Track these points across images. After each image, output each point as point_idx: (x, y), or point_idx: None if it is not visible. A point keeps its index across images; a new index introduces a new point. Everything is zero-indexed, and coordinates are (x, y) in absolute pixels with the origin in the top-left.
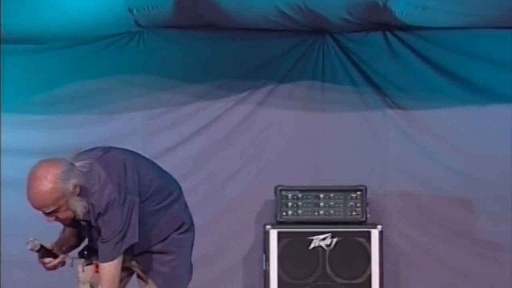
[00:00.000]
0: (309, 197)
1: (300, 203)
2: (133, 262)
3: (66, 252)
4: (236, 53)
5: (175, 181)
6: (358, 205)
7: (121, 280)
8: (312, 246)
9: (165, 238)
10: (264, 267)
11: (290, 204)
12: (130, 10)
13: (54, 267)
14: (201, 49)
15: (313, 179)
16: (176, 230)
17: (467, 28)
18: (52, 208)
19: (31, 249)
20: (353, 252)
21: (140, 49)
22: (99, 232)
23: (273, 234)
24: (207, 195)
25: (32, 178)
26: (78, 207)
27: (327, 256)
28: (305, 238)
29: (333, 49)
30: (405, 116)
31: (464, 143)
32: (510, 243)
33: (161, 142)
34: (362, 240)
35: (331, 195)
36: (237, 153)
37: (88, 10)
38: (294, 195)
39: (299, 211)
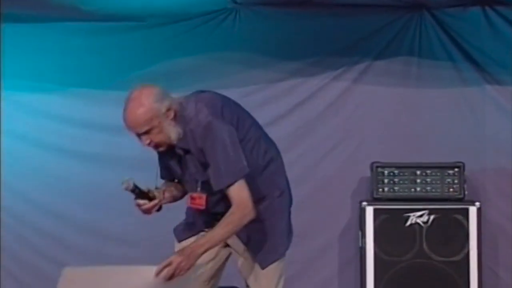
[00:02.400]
0: (406, 173)
1: (396, 180)
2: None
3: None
4: (331, 30)
5: (274, 143)
6: (456, 182)
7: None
8: (408, 223)
9: (261, 200)
10: (360, 244)
11: (386, 180)
12: None
13: (149, 210)
14: (296, 26)
15: (409, 155)
16: (271, 193)
17: None
18: (145, 128)
19: (126, 189)
20: (450, 230)
21: (236, 26)
22: (200, 164)
23: (369, 211)
24: (303, 172)
25: (128, 99)
26: (172, 132)
27: (424, 233)
28: (402, 215)
29: (430, 25)
30: (504, 92)
31: None
32: None
33: (257, 119)
34: (460, 217)
35: (428, 171)
36: (332, 130)
37: None
38: (390, 172)
39: (396, 188)
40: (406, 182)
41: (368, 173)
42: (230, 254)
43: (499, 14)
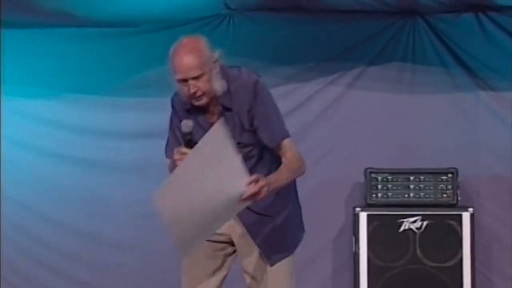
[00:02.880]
0: (399, 179)
1: (390, 186)
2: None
3: None
4: (325, 36)
5: None
6: (449, 187)
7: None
8: (402, 228)
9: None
10: (353, 249)
11: (379, 186)
12: None
13: (179, 161)
14: (290, 32)
15: (403, 161)
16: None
17: None
18: (198, 73)
19: (186, 130)
20: (443, 235)
21: (230, 31)
22: (240, 125)
23: (363, 217)
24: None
25: (178, 46)
26: (218, 83)
27: (417, 239)
28: (395, 221)
29: (423, 31)
30: (497, 97)
31: None
32: None
33: None
34: (453, 223)
35: (421, 177)
36: (326, 135)
37: None
38: (384, 178)
39: (389, 194)
40: (399, 187)
41: (361, 178)
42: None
43: (492, 20)
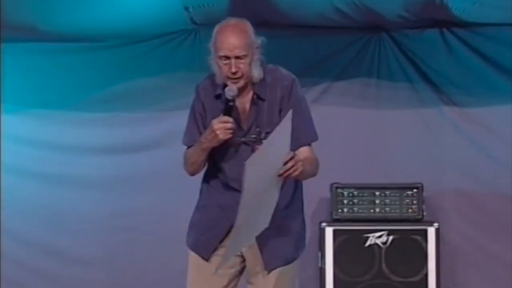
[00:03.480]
0: (365, 194)
1: (355, 201)
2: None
3: None
4: (290, 51)
5: None
6: (414, 202)
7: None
8: (368, 243)
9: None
10: (320, 264)
11: (345, 201)
12: (186, 8)
13: (229, 131)
14: None
15: (368, 176)
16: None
17: None
18: (244, 52)
19: (230, 95)
20: (409, 250)
21: (196, 46)
22: (269, 116)
23: (329, 232)
24: None
25: (225, 25)
26: (256, 70)
27: (383, 253)
28: (361, 236)
29: (388, 46)
30: (461, 113)
31: None
32: None
33: None
34: (419, 238)
35: (387, 192)
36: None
37: (144, 8)
38: (349, 193)
39: (355, 209)
40: (365, 202)
41: (327, 194)
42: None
43: (456, 36)
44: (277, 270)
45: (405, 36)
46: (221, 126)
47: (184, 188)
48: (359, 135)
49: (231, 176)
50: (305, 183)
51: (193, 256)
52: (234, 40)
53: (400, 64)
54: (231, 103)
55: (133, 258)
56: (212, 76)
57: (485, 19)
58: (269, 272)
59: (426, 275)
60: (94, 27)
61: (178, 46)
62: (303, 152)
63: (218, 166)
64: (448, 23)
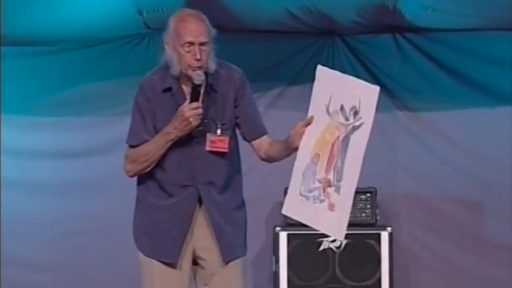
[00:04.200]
0: None
1: None
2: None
3: None
4: (245, 56)
5: None
6: (368, 207)
7: None
8: (321, 248)
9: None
10: (274, 269)
11: None
12: (140, 12)
13: (198, 116)
14: None
15: None
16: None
17: (477, 30)
18: (206, 39)
19: (198, 80)
20: (362, 254)
21: (150, 51)
22: (222, 108)
23: (283, 236)
24: None
25: (186, 13)
26: (212, 60)
27: (336, 258)
28: (315, 240)
29: (342, 51)
30: (415, 118)
31: (473, 145)
32: None
33: None
34: (372, 242)
35: None
36: (246, 155)
37: (97, 12)
38: None
39: None
40: None
41: (281, 198)
42: None
43: (409, 41)
44: (234, 261)
45: (359, 41)
46: (193, 113)
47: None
48: None
49: (171, 178)
50: (259, 187)
51: (153, 264)
52: (198, 26)
53: (354, 69)
54: (199, 89)
55: (88, 263)
56: (158, 71)
57: (438, 24)
58: (227, 263)
59: (379, 279)
60: (47, 31)
61: (131, 50)
62: (266, 139)
63: (160, 165)
64: (401, 28)
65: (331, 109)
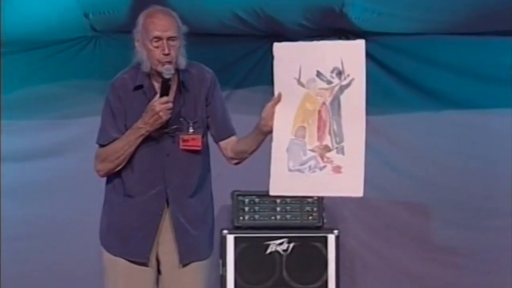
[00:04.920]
0: (266, 202)
1: (256, 208)
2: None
3: None
4: (191, 59)
5: None
6: (315, 210)
7: None
8: (268, 251)
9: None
10: (221, 272)
11: (246, 209)
12: (86, 15)
13: (168, 110)
14: None
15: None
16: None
17: (423, 34)
18: (175, 34)
19: (168, 74)
20: (309, 257)
21: (96, 54)
22: (194, 106)
23: (230, 239)
24: None
25: (154, 9)
26: (182, 57)
27: (283, 261)
28: (262, 243)
29: None
30: None
31: (419, 149)
32: (466, 248)
33: None
34: (319, 245)
35: (288, 200)
36: None
37: (42, 14)
38: (251, 200)
39: (256, 216)
40: (266, 210)
41: (229, 201)
42: None
43: None
44: (192, 265)
45: None
46: (163, 107)
47: (83, 195)
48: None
49: (140, 177)
50: None
51: (120, 263)
52: (166, 21)
53: None
54: (169, 83)
55: (32, 266)
56: (129, 71)
57: (384, 28)
58: (184, 265)
59: (326, 281)
60: None
61: (77, 53)
62: (233, 139)
63: (129, 164)
64: (348, 32)
65: (304, 80)
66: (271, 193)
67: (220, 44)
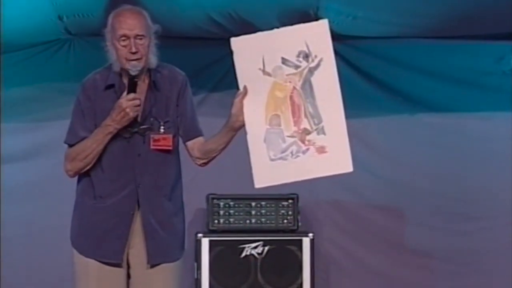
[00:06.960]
0: (241, 205)
1: (231, 212)
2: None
3: None
4: (166, 61)
5: None
6: (290, 213)
7: None
8: (243, 254)
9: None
10: (195, 275)
11: (221, 212)
12: (60, 18)
13: (135, 108)
14: None
15: (244, 187)
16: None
17: (398, 38)
18: (143, 32)
19: (130, 74)
20: (284, 260)
21: (71, 56)
22: (165, 106)
23: (205, 243)
24: None
25: (123, 8)
26: (153, 56)
27: (258, 264)
28: (237, 247)
29: None
30: None
31: (394, 152)
32: (440, 251)
33: None
34: (294, 248)
35: (263, 203)
36: None
37: (16, 17)
38: (225, 204)
39: (231, 220)
40: (241, 213)
41: (204, 204)
42: None
43: None
44: (161, 267)
45: None
46: (130, 104)
47: (57, 198)
48: (235, 145)
49: (110, 177)
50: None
51: (90, 264)
52: (133, 20)
53: None
54: (136, 79)
55: (4, 270)
56: (101, 71)
57: (359, 32)
58: (152, 266)
59: (301, 284)
60: None
61: (51, 56)
62: (201, 139)
63: (99, 164)
64: None
65: (269, 69)
66: (257, 186)
67: (195, 47)
